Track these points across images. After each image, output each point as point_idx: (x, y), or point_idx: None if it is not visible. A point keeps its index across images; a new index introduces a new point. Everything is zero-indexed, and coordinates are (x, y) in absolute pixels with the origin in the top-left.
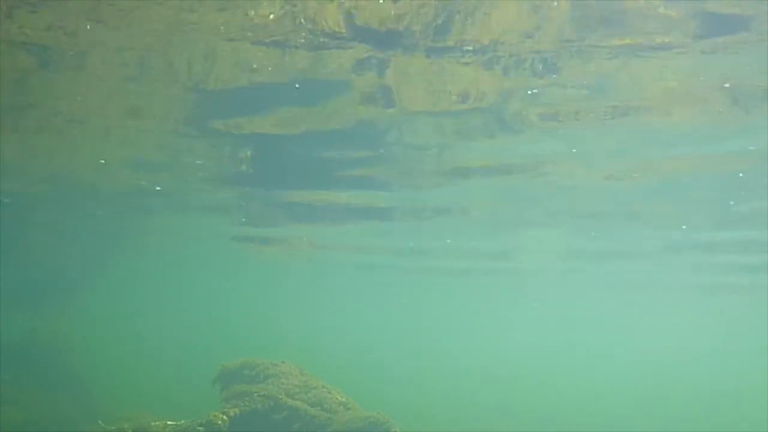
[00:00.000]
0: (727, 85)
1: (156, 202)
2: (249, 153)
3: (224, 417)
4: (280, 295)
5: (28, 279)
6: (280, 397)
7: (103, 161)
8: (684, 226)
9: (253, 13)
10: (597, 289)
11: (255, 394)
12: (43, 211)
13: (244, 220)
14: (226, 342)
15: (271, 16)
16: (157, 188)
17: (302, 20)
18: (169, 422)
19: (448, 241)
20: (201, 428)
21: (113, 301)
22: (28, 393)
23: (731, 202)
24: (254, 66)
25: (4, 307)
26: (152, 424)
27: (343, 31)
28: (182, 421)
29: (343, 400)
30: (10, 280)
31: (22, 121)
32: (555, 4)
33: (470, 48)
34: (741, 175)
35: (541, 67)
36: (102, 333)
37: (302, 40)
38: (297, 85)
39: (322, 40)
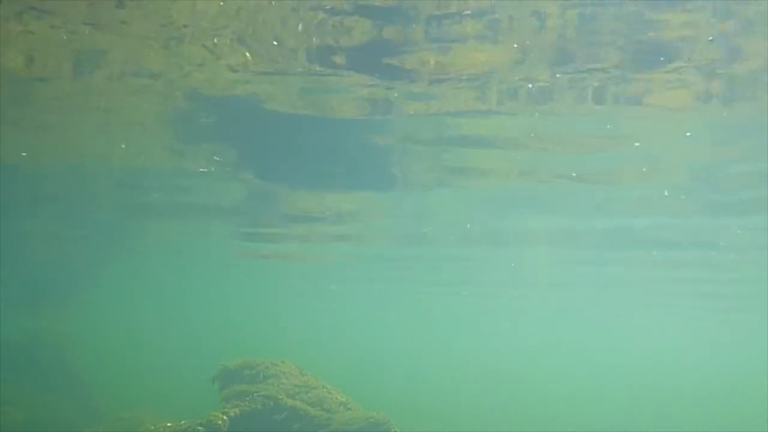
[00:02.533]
0: None
1: (157, 197)
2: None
3: (224, 417)
4: (280, 295)
5: (29, 279)
6: (280, 397)
7: (124, 146)
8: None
9: None
10: (596, 292)
11: (255, 394)
12: (43, 211)
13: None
14: (225, 342)
15: None
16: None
17: None
18: (168, 423)
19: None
20: (201, 428)
21: (113, 301)
22: (28, 393)
23: None
24: None
25: (4, 307)
26: (152, 427)
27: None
28: (182, 422)
29: (343, 400)
30: (11, 280)
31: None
32: None
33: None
34: None
35: None
36: (102, 333)
37: None
38: None
39: None
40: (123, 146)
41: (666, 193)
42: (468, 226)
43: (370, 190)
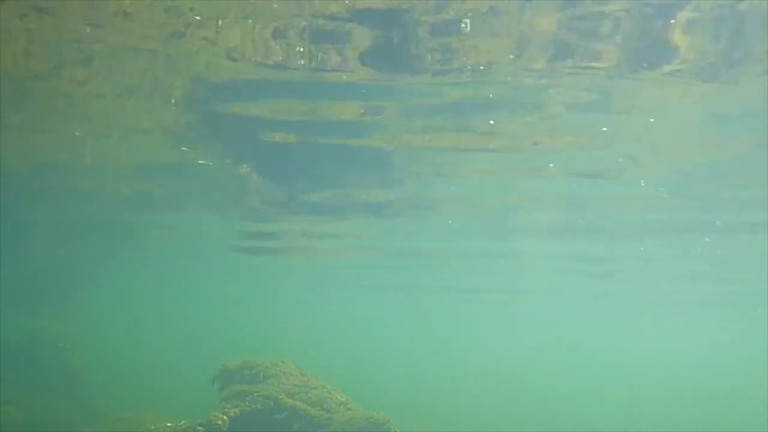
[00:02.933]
0: None
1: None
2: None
3: (224, 417)
4: (280, 296)
5: (29, 279)
6: (280, 397)
7: (78, 133)
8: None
9: None
10: (596, 295)
11: (255, 394)
12: (43, 211)
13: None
14: (225, 342)
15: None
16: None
17: None
18: (168, 423)
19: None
20: (201, 428)
21: (113, 301)
22: (28, 393)
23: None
24: None
25: (4, 307)
26: (152, 427)
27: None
28: (182, 422)
29: (343, 400)
30: (11, 280)
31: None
32: None
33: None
34: None
35: None
36: (102, 333)
37: None
38: None
39: None
40: (77, 134)
41: (642, 184)
42: (449, 222)
43: (369, 215)
